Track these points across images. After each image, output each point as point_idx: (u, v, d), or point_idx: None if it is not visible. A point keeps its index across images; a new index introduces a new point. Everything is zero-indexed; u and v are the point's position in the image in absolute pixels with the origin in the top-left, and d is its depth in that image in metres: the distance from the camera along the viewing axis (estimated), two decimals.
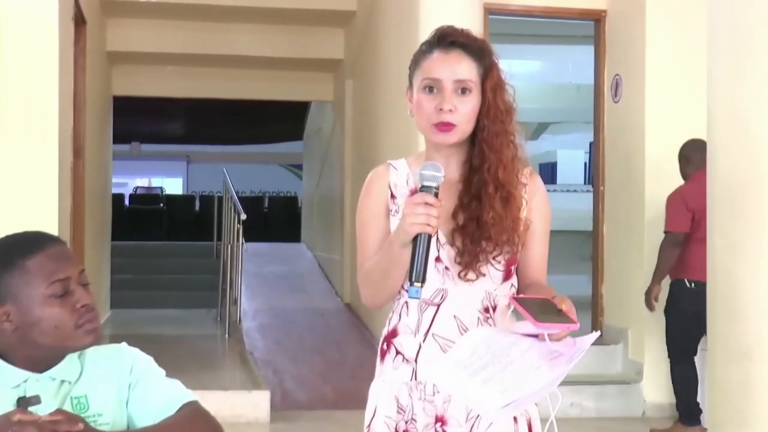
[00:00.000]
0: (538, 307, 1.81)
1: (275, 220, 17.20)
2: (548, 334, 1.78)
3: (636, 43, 5.83)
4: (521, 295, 1.97)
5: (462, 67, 1.98)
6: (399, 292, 2.03)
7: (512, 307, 1.87)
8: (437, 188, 1.85)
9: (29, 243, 1.75)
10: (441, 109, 1.96)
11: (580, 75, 10.73)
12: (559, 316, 1.79)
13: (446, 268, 1.99)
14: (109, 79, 8.99)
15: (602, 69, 6.24)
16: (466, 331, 1.97)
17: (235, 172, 11.84)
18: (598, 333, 1.83)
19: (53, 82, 4.69)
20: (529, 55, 11.32)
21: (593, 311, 6.31)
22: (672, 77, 5.71)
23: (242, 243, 8.01)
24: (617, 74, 6.07)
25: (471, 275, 1.98)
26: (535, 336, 1.80)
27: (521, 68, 11.63)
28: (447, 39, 2.01)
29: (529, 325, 1.79)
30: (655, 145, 5.70)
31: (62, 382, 1.77)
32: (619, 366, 5.94)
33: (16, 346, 1.74)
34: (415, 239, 1.84)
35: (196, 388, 1.92)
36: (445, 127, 1.97)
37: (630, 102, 5.91)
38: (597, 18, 6.25)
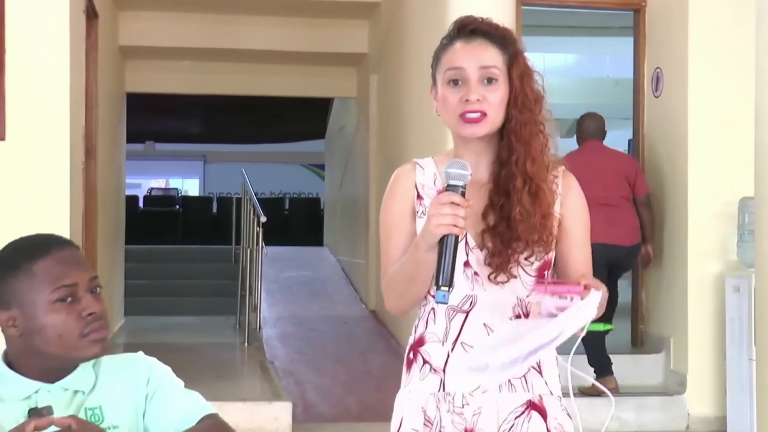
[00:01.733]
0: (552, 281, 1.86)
1: (296, 222, 17.25)
2: (562, 308, 1.79)
3: (678, 34, 5.79)
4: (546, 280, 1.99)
5: (486, 55, 1.98)
6: (425, 298, 2.02)
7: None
8: (464, 187, 1.84)
9: (37, 246, 1.76)
10: (467, 100, 1.96)
11: (618, 68, 10.69)
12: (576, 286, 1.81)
13: (475, 273, 1.98)
14: (122, 75, 9.04)
15: (642, 62, 6.21)
16: None
17: (255, 173, 11.89)
18: (600, 292, 1.80)
19: (64, 79, 4.73)
20: (564, 47, 11.29)
21: (633, 319, 6.27)
22: (716, 69, 5.67)
23: (262, 247, 8.03)
24: (658, 67, 6.04)
25: (502, 277, 1.97)
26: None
27: (556, 62, 11.60)
28: (467, 28, 2.01)
29: (546, 303, 1.81)
30: (699, 141, 5.66)
31: (75, 392, 1.78)
32: (660, 377, 5.91)
33: (24, 353, 1.75)
34: (442, 241, 1.83)
35: (214, 399, 1.92)
36: (474, 116, 1.96)
37: (672, 96, 5.87)
38: (636, 8, 6.22)
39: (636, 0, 6.20)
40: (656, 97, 6.06)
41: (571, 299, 1.79)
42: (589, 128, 5.92)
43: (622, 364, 5.79)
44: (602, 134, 5.92)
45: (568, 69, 12.26)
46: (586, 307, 1.77)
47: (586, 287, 1.79)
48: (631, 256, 5.76)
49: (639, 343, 6.18)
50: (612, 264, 5.51)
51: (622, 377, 5.72)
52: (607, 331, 4.85)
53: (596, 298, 1.78)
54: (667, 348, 5.87)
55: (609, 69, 11.84)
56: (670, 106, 5.89)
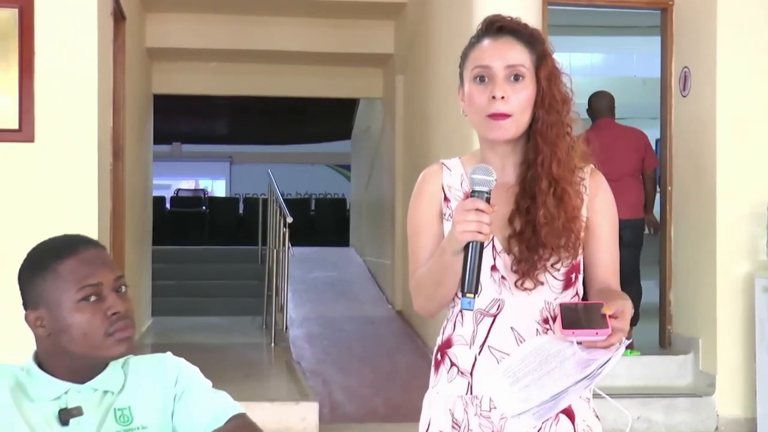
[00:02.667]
0: (578, 313, 1.81)
1: (323, 223, 17.28)
2: (577, 342, 1.77)
3: (706, 33, 5.76)
4: (569, 301, 1.96)
5: (513, 53, 1.97)
6: (453, 299, 2.01)
7: (574, 299, 1.87)
8: (489, 193, 1.82)
9: (63, 247, 1.78)
10: (493, 97, 1.94)
11: (645, 68, 10.64)
12: (597, 321, 1.77)
13: (502, 277, 1.97)
14: (149, 77, 9.09)
15: (669, 61, 6.17)
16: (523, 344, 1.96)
17: (281, 173, 11.92)
18: (629, 341, 1.79)
19: (92, 81, 4.77)
20: (590, 47, 11.26)
21: (661, 319, 6.24)
22: (745, 68, 5.63)
23: (288, 247, 8.04)
24: (686, 66, 6.00)
25: (528, 284, 1.96)
26: (580, 343, 1.79)
27: (582, 61, 11.57)
28: (495, 25, 2.00)
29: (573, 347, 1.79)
30: (727, 141, 5.62)
31: (105, 392, 1.79)
32: (689, 377, 5.87)
33: (53, 354, 1.77)
34: (467, 247, 1.82)
35: (241, 399, 1.93)
36: (500, 118, 1.95)
37: (699, 96, 5.84)
38: (664, 7, 6.19)
39: None
40: (684, 96, 6.03)
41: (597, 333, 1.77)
42: (600, 107, 6.28)
43: (651, 365, 5.76)
44: (612, 112, 6.33)
45: (595, 68, 12.21)
46: (615, 361, 1.76)
47: (613, 329, 1.76)
48: (632, 229, 5.99)
49: (667, 344, 6.14)
50: None
51: (651, 378, 5.69)
52: None
53: (621, 351, 1.77)
54: (695, 349, 5.84)
55: (636, 68, 11.79)
56: (698, 105, 5.85)
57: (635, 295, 5.86)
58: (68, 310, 1.73)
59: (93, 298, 1.74)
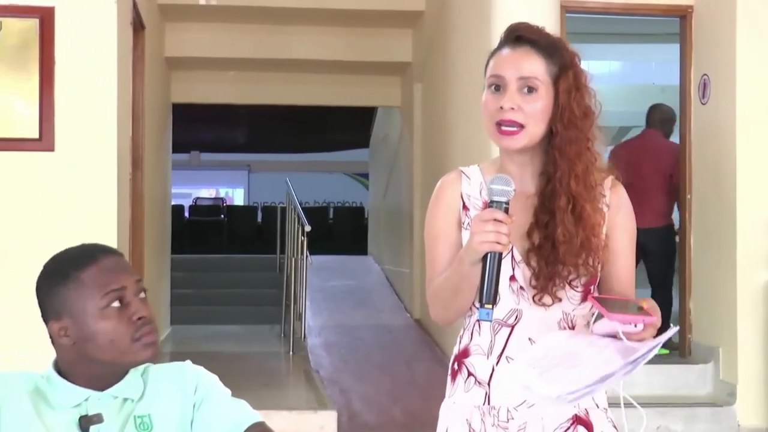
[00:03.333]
0: (615, 305, 1.81)
1: (341, 231, 17.30)
2: (625, 334, 1.76)
3: (725, 40, 5.74)
4: (602, 295, 1.96)
5: (528, 64, 1.95)
6: (470, 309, 2.01)
7: (593, 310, 1.86)
8: (507, 203, 1.82)
9: (84, 255, 1.79)
10: (502, 107, 1.94)
11: (664, 75, 10.60)
12: (638, 312, 1.77)
13: (521, 288, 1.96)
14: (168, 86, 9.14)
15: (688, 69, 6.15)
16: None
17: (299, 182, 11.93)
18: (677, 328, 1.80)
19: (112, 90, 4.79)
20: (609, 55, 11.24)
21: (681, 328, 6.20)
22: (764, 75, 5.60)
23: (307, 256, 8.06)
24: (705, 74, 5.98)
25: (546, 299, 1.95)
26: (614, 337, 1.79)
27: (600, 69, 11.56)
28: (514, 34, 1.99)
29: (605, 323, 1.78)
30: (747, 148, 5.60)
31: (125, 400, 1.80)
32: (709, 387, 5.84)
33: (76, 362, 1.77)
34: (485, 257, 1.82)
35: (260, 408, 1.93)
36: (509, 127, 1.93)
37: (719, 103, 5.82)
38: (682, 14, 6.17)
39: (682, 6, 6.14)
40: (703, 104, 6.00)
41: (635, 325, 1.76)
42: (649, 118, 6.68)
43: (670, 374, 5.73)
44: (662, 124, 6.58)
45: (613, 76, 12.19)
46: (659, 346, 1.76)
47: (648, 314, 1.77)
48: (660, 237, 6.20)
49: (687, 353, 6.11)
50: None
51: (670, 387, 5.66)
52: None
53: (670, 333, 1.77)
54: (716, 358, 5.80)
55: (655, 76, 11.75)
56: (718, 112, 5.83)
57: (665, 302, 5.90)
58: (93, 317, 1.74)
59: (117, 304, 1.75)
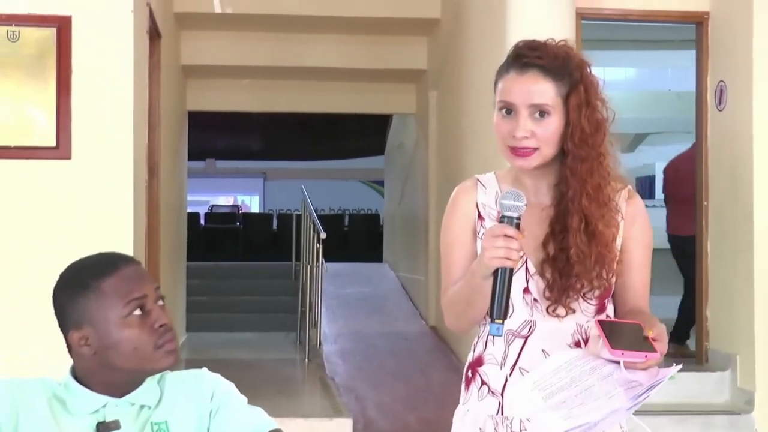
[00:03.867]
0: (620, 333, 1.78)
1: (356, 238, 17.30)
2: (624, 363, 1.74)
3: (742, 47, 5.72)
4: (608, 319, 1.94)
5: (537, 90, 1.92)
6: (485, 317, 2.00)
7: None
8: (518, 219, 1.81)
9: (104, 264, 1.79)
10: (515, 136, 1.93)
11: (680, 82, 10.57)
12: (642, 343, 1.75)
13: (535, 299, 1.97)
14: (184, 94, 9.17)
15: (705, 75, 6.13)
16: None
17: (314, 189, 11.96)
18: (680, 366, 1.77)
19: (128, 98, 4.82)
20: (624, 61, 11.20)
21: (698, 335, 6.18)
22: None
23: (322, 263, 8.07)
24: (722, 80, 5.96)
25: (560, 311, 1.95)
26: (618, 363, 1.77)
27: (616, 75, 11.52)
28: (521, 60, 1.95)
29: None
30: (764, 155, 5.57)
31: (142, 407, 1.81)
32: (726, 395, 5.81)
33: (96, 370, 1.78)
34: (496, 272, 1.82)
35: (275, 416, 1.94)
36: (523, 152, 1.93)
37: (736, 110, 5.80)
38: (699, 20, 6.15)
39: (698, 12, 6.13)
40: (720, 110, 5.99)
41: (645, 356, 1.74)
42: None
43: (687, 382, 5.70)
44: None
45: (629, 83, 12.15)
46: (663, 382, 1.74)
47: (653, 348, 1.75)
48: (690, 245, 6.23)
49: (704, 361, 6.08)
50: (675, 253, 6.57)
51: (687, 395, 5.63)
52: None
53: (674, 371, 1.75)
54: (733, 365, 5.78)
55: (671, 82, 11.72)
56: (735, 119, 5.81)
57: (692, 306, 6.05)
58: (116, 326, 1.75)
59: (138, 312, 1.76)
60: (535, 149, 1.93)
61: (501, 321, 1.81)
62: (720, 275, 5.98)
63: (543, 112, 1.93)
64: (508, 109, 1.95)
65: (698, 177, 6.22)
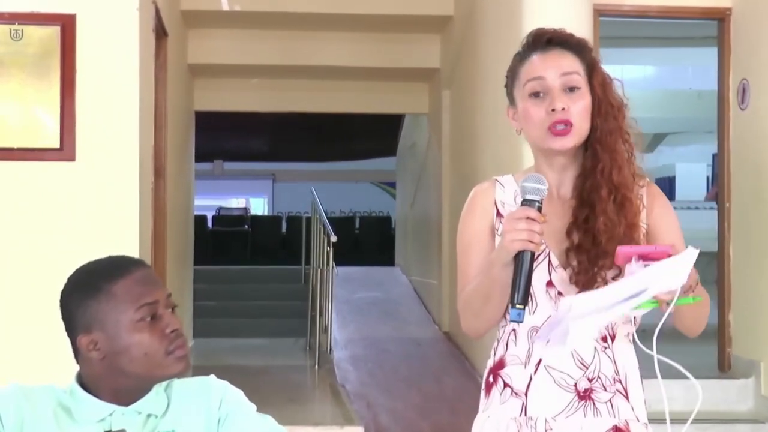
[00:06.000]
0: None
1: (367, 241, 17.31)
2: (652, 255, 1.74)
3: (765, 43, 5.70)
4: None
5: (566, 62, 1.99)
6: (503, 318, 2.01)
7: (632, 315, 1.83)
8: (540, 202, 1.83)
9: (114, 267, 1.79)
10: (553, 110, 1.96)
11: (701, 80, 10.55)
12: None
13: (559, 293, 1.96)
14: (191, 94, 9.19)
15: (727, 73, 6.11)
16: (582, 363, 1.95)
17: (324, 191, 11.96)
18: (697, 250, 1.74)
19: (134, 99, 4.82)
20: (643, 59, 11.18)
21: (720, 341, 6.16)
22: None
23: (332, 267, 8.07)
24: (744, 78, 5.94)
25: None
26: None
27: (635, 74, 11.50)
28: (543, 38, 2.02)
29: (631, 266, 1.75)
30: None
31: (149, 415, 1.81)
32: (750, 402, 5.78)
33: (103, 376, 1.78)
34: (517, 257, 1.82)
35: (285, 423, 1.93)
36: (562, 127, 1.95)
37: (759, 109, 5.78)
38: (721, 17, 6.13)
39: (720, 9, 6.11)
40: (742, 109, 5.96)
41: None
42: None
43: (709, 390, 5.67)
44: None
45: (648, 81, 12.12)
46: (679, 265, 1.71)
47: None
48: None
49: (726, 368, 6.06)
50: None
51: (709, 403, 5.58)
52: None
53: (693, 255, 1.72)
54: (757, 372, 5.75)
55: (691, 81, 11.69)
56: (758, 118, 5.79)
57: None
58: (127, 330, 1.75)
59: (150, 317, 1.76)
60: (572, 126, 1.96)
61: (522, 306, 1.81)
62: (743, 279, 5.96)
63: (573, 87, 1.98)
64: (538, 92, 1.98)
65: (720, 178, 6.19)
